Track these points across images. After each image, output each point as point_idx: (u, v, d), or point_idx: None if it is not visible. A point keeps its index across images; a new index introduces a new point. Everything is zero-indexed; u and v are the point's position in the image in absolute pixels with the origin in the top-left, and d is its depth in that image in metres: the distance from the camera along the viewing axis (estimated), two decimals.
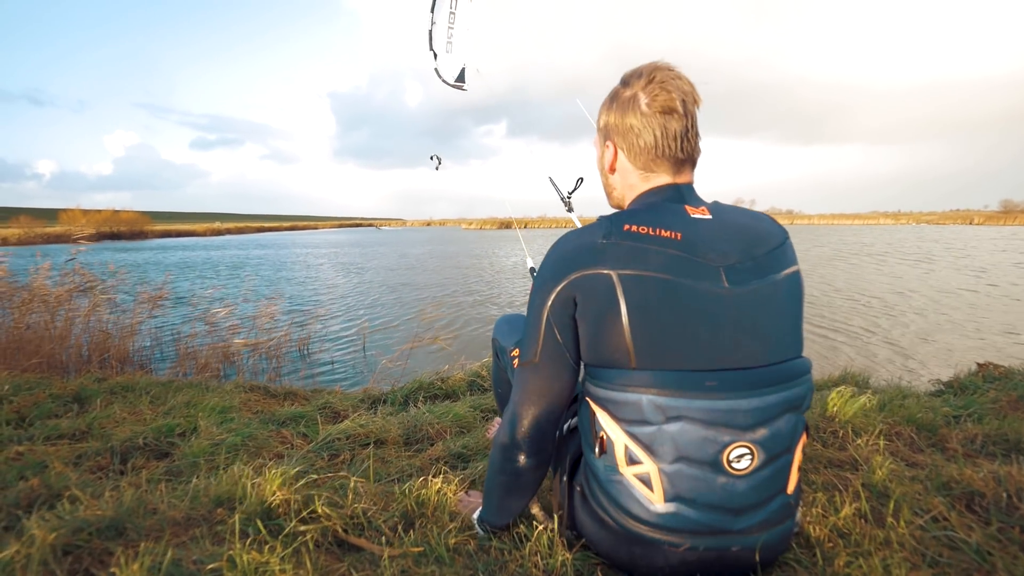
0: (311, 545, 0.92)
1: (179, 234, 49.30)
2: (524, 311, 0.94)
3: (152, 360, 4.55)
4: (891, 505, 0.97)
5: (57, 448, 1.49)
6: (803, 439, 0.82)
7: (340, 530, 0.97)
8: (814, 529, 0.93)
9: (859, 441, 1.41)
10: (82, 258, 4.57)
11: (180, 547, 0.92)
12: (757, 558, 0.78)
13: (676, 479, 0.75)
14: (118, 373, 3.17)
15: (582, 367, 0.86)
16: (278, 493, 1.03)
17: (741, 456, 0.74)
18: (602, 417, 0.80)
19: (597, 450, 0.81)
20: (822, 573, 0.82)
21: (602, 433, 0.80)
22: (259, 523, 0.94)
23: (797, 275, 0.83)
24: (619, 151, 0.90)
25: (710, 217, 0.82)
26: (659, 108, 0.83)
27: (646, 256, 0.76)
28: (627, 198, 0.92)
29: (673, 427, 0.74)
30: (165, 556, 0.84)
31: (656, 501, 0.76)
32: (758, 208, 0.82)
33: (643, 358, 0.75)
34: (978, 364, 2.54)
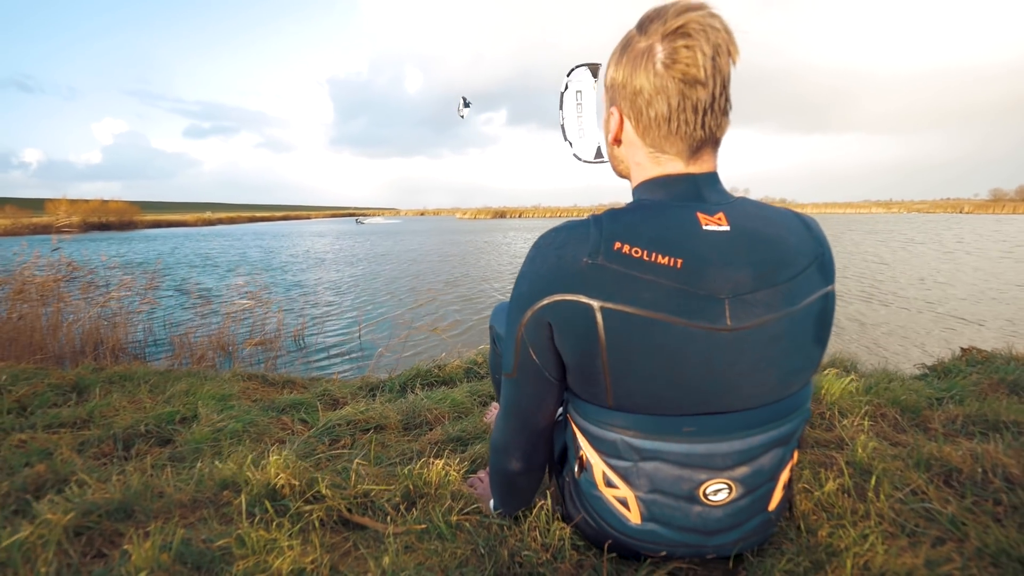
0: (317, 524, 0.95)
1: (169, 224, 48.69)
2: None
3: (146, 351, 4.55)
4: (872, 480, 1.02)
5: (60, 436, 1.50)
6: (793, 459, 0.78)
7: (344, 510, 1.00)
8: (800, 504, 0.97)
9: (845, 422, 1.45)
10: (68, 248, 4.55)
11: (189, 527, 0.95)
12: (731, 565, 0.82)
13: (652, 505, 0.74)
14: (113, 363, 3.18)
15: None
16: (282, 475, 1.06)
17: (718, 491, 0.72)
18: (582, 441, 0.78)
19: (577, 468, 0.81)
20: (805, 543, 0.86)
21: (582, 453, 0.78)
22: (267, 503, 0.97)
23: (826, 298, 0.71)
24: (625, 120, 0.73)
25: (727, 229, 0.67)
26: (680, 72, 0.65)
27: (635, 288, 0.64)
28: (635, 177, 0.77)
29: (648, 465, 0.72)
30: (175, 535, 0.87)
31: (633, 520, 0.76)
32: (752, 198, 0.71)
33: (621, 400, 0.70)
34: (962, 348, 2.61)
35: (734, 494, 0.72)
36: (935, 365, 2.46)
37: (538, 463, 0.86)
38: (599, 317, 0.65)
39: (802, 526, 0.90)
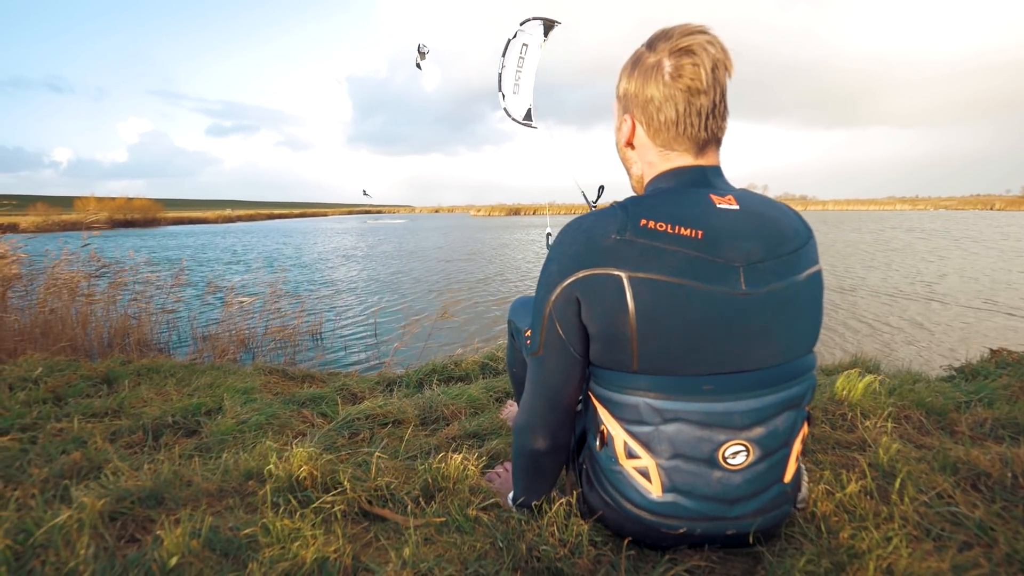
0: (339, 515, 0.98)
1: (191, 221, 49.80)
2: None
3: (171, 345, 4.68)
4: (896, 483, 1.00)
5: (93, 425, 1.56)
6: (804, 430, 0.82)
7: (365, 502, 1.03)
8: (820, 505, 0.96)
9: (867, 423, 1.43)
10: (97, 244, 4.70)
11: (216, 515, 0.99)
12: (751, 540, 0.82)
13: (673, 473, 0.77)
14: (140, 357, 3.28)
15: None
16: (305, 467, 1.09)
17: (737, 453, 0.76)
18: (602, 413, 0.82)
19: (598, 443, 0.84)
20: (826, 545, 0.85)
21: (603, 427, 0.82)
22: (290, 496, 0.99)
23: (818, 275, 0.81)
24: (637, 125, 0.83)
25: (737, 208, 0.76)
26: (685, 82, 0.75)
27: (661, 257, 0.71)
28: (646, 176, 0.86)
29: (670, 428, 0.76)
30: (203, 523, 0.90)
31: (654, 492, 0.79)
32: (771, 194, 0.77)
33: (645, 363, 0.75)
34: (991, 350, 2.53)
35: (752, 457, 0.76)
36: (963, 367, 2.39)
37: (563, 441, 0.89)
38: (628, 286, 0.72)
39: (823, 527, 0.89)
